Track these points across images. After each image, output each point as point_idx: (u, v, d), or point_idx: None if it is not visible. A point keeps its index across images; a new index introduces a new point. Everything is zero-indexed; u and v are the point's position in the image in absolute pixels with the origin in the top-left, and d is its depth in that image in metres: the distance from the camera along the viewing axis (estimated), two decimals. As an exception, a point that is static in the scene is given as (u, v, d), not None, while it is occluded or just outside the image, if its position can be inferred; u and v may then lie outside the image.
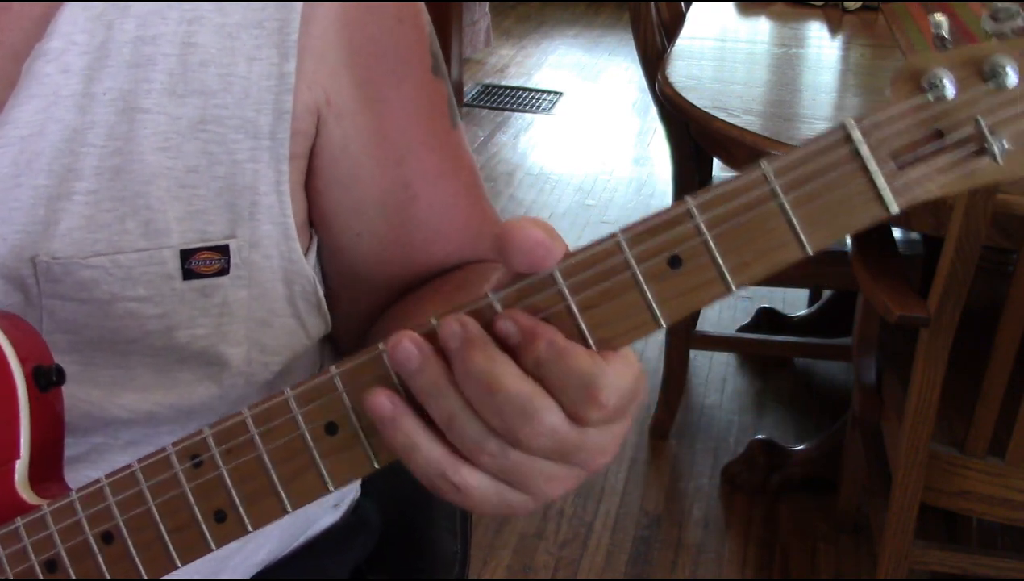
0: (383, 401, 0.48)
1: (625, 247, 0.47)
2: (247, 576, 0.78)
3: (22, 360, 0.58)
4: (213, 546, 0.54)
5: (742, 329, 2.61)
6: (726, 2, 2.47)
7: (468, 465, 0.49)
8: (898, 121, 0.46)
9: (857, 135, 0.46)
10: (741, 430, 2.34)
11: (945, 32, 0.48)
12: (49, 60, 0.63)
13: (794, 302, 2.75)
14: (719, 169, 2.42)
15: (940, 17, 0.48)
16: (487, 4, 4.60)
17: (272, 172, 0.66)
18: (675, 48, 2.09)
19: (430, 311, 0.68)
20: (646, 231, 0.47)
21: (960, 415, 1.52)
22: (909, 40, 2.14)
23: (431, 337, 0.49)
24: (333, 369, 0.51)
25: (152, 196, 0.64)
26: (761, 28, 2.35)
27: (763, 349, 2.45)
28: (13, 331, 0.59)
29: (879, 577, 1.63)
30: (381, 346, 0.50)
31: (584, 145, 3.92)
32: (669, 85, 1.85)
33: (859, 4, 2.38)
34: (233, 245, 0.66)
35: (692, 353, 2.47)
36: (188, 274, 0.66)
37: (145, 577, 0.55)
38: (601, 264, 0.48)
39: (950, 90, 0.46)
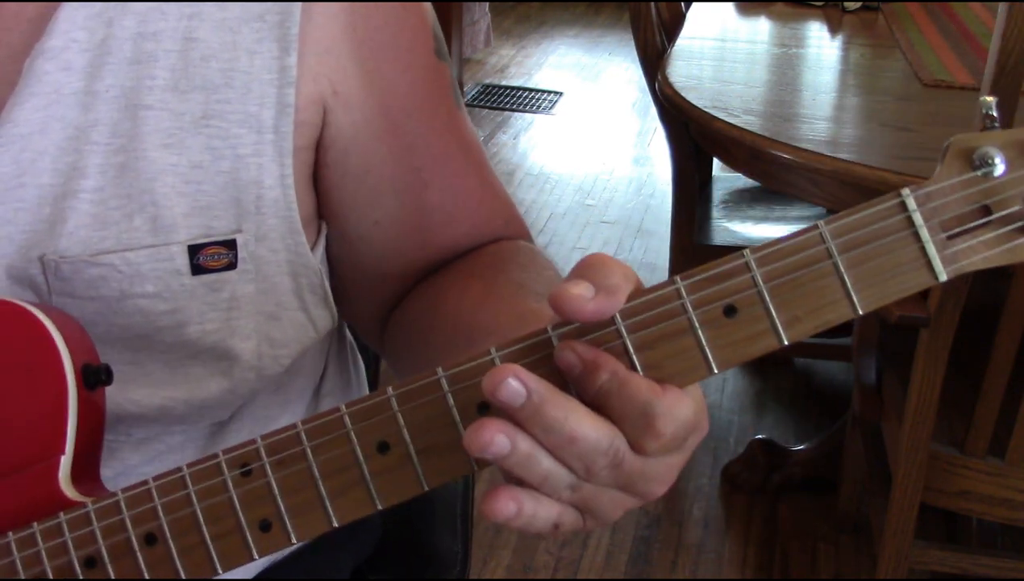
0: (508, 504, 0.49)
1: (683, 292, 0.50)
2: (248, 576, 0.78)
3: (73, 357, 0.59)
4: (256, 555, 0.54)
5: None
6: (726, 2, 2.47)
7: (567, 507, 0.51)
8: (949, 194, 0.49)
9: (912, 204, 0.48)
10: (741, 430, 2.34)
11: (994, 112, 0.51)
12: (49, 58, 0.63)
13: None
14: (719, 169, 2.42)
15: (990, 99, 0.51)
16: (487, 4, 4.60)
17: (276, 166, 0.66)
18: (675, 48, 2.09)
19: (471, 299, 0.70)
20: (705, 279, 0.50)
21: (960, 415, 1.52)
22: (909, 40, 2.14)
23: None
24: (390, 390, 0.52)
25: (158, 192, 0.64)
26: (761, 28, 2.35)
27: (763, 349, 2.44)
28: (65, 328, 0.59)
29: (879, 577, 1.63)
30: (440, 371, 0.51)
31: (584, 145, 3.92)
32: (669, 85, 1.85)
33: (859, 4, 2.38)
34: (240, 239, 0.67)
35: (692, 353, 2.47)
36: (197, 269, 0.66)
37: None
38: (659, 307, 0.50)
39: (1000, 169, 0.48)
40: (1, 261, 0.64)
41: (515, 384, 0.48)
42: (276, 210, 0.67)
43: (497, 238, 0.78)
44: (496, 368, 0.48)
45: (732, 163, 1.77)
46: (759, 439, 2.19)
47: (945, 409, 1.50)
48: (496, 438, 0.48)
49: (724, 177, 2.40)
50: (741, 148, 1.65)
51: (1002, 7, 1.28)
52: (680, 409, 0.49)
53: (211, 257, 0.66)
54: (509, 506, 0.49)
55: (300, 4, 0.66)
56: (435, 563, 0.93)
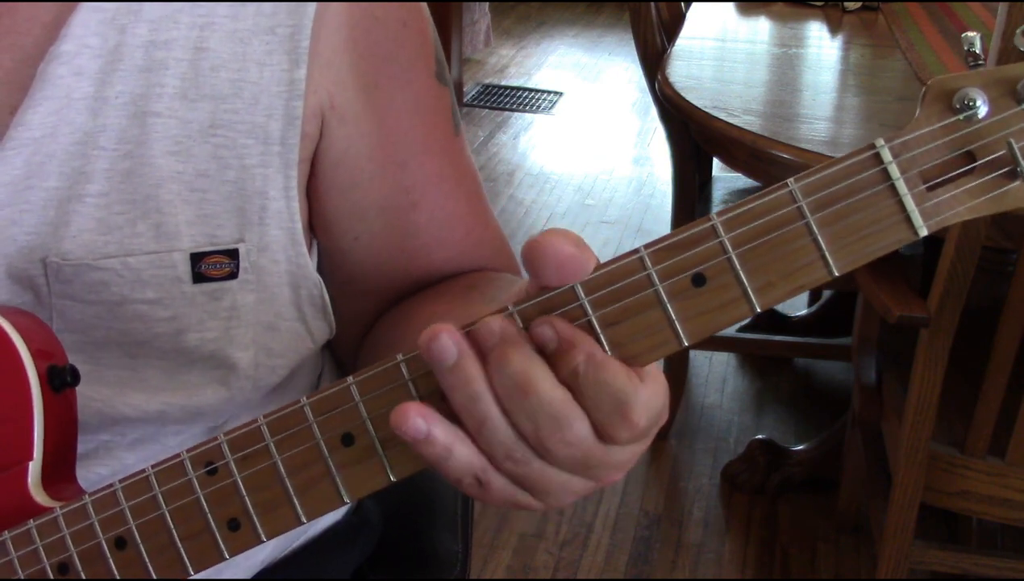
0: (417, 422, 0.47)
1: (648, 263, 0.47)
2: (248, 576, 0.78)
3: (36, 359, 0.58)
4: (227, 555, 0.54)
5: (742, 329, 2.61)
6: (726, 2, 2.47)
7: (499, 477, 0.49)
8: (928, 142, 0.45)
9: (887, 155, 0.45)
10: (741, 430, 2.34)
11: (978, 49, 0.47)
12: (62, 63, 0.63)
13: (794, 302, 2.75)
14: (719, 169, 2.42)
15: (972, 34, 0.47)
16: (487, 4, 4.60)
17: (281, 177, 0.66)
18: (675, 48, 2.09)
19: (441, 309, 0.69)
20: (670, 247, 0.47)
21: (960, 415, 1.52)
22: (909, 40, 2.14)
23: (467, 338, 0.48)
24: (350, 379, 0.51)
25: (162, 199, 0.64)
26: (761, 28, 2.35)
27: (763, 349, 2.45)
28: (28, 330, 0.59)
29: (879, 577, 1.63)
30: (400, 357, 0.50)
31: (584, 145, 3.92)
32: (669, 85, 1.85)
33: (859, 4, 2.38)
34: (242, 249, 0.66)
35: (692, 353, 2.47)
36: (198, 277, 0.66)
37: None
38: (623, 280, 0.47)
39: (983, 110, 0.45)
40: (2, 261, 0.64)
41: (494, 323, 0.47)
42: (279, 221, 0.67)
43: (482, 268, 0.77)
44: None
45: (732, 163, 1.77)
46: (759, 439, 2.19)
47: (945, 409, 1.50)
48: (443, 338, 0.46)
49: (724, 177, 2.40)
50: (741, 148, 1.65)
51: (1002, 7, 1.28)
52: (654, 400, 0.48)
53: (213, 266, 0.66)
54: (416, 423, 0.47)
55: (311, 18, 0.66)
56: (435, 563, 0.93)
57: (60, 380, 0.58)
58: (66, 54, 0.63)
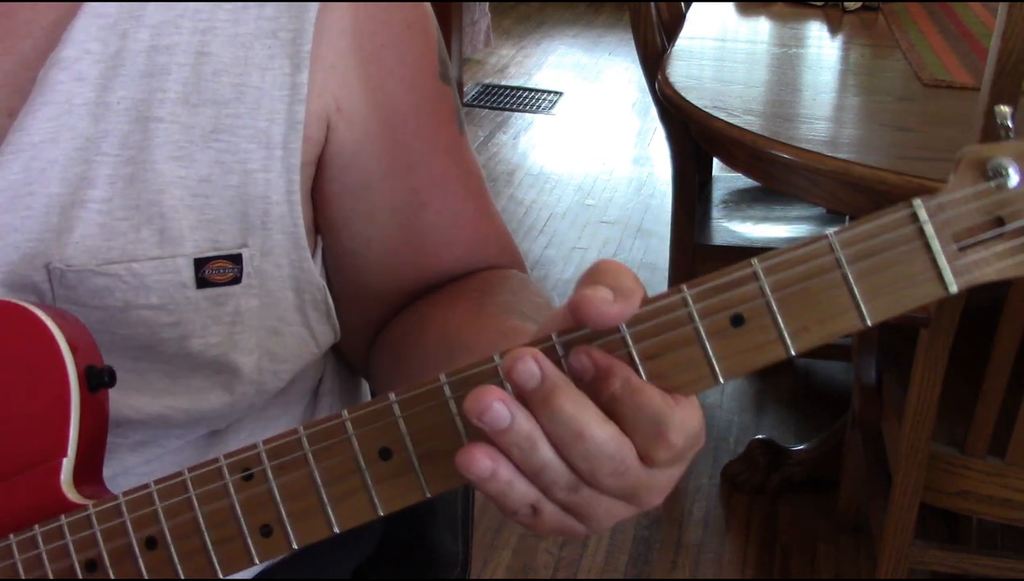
0: (484, 463, 0.48)
1: (690, 301, 0.49)
2: (248, 576, 0.78)
3: (76, 359, 0.58)
4: (256, 560, 0.54)
5: (742, 329, 2.61)
6: (726, 2, 2.47)
7: (553, 507, 0.50)
8: (961, 205, 0.48)
9: (923, 215, 0.48)
10: (741, 430, 2.34)
11: (1009, 122, 0.50)
12: (63, 68, 0.63)
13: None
14: (719, 169, 2.42)
15: (1005, 108, 0.50)
16: (487, 4, 4.59)
17: (284, 182, 0.67)
18: (675, 48, 2.09)
19: (458, 318, 0.69)
20: (712, 289, 0.49)
21: (960, 415, 1.52)
22: (909, 40, 2.14)
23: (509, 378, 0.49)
24: (392, 395, 0.52)
25: (165, 205, 0.64)
26: (761, 28, 2.35)
27: (763, 349, 2.44)
28: (68, 329, 0.59)
29: (879, 577, 1.63)
30: (443, 378, 0.51)
31: (584, 145, 3.92)
32: (669, 85, 1.85)
33: (859, 4, 2.38)
34: (245, 254, 0.67)
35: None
36: (201, 282, 0.66)
37: None
38: (665, 316, 0.49)
39: (1014, 179, 0.48)
40: (5, 267, 0.64)
41: (532, 365, 0.47)
42: (282, 226, 0.67)
43: (490, 266, 0.77)
44: (515, 349, 0.48)
45: (732, 163, 1.77)
46: (759, 439, 2.19)
47: (945, 409, 1.50)
48: (495, 405, 0.47)
49: (724, 177, 2.40)
50: (741, 148, 1.65)
51: (1002, 7, 1.28)
52: (691, 421, 0.49)
53: (216, 271, 0.66)
54: (484, 463, 0.48)
55: (313, 22, 0.66)
56: (435, 563, 0.93)
57: (97, 380, 0.59)
58: (67, 60, 0.63)
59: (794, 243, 0.49)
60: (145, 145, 0.64)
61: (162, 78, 0.64)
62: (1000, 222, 0.48)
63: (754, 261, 0.49)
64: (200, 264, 0.66)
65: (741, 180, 2.38)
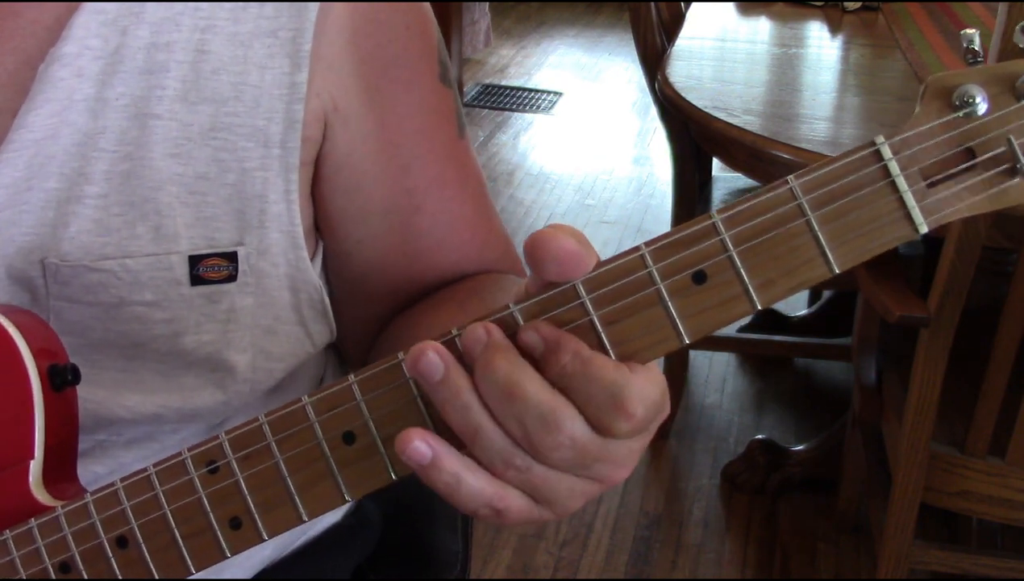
0: (420, 447, 0.48)
1: (649, 261, 0.47)
2: (248, 576, 0.78)
3: (37, 358, 0.58)
4: (228, 553, 0.54)
5: (742, 329, 2.61)
6: (726, 2, 2.47)
7: (510, 489, 0.49)
8: (928, 139, 0.45)
9: (887, 152, 0.45)
10: (741, 430, 2.34)
11: (976, 46, 0.46)
12: (64, 65, 0.63)
13: (794, 302, 2.75)
14: (719, 169, 2.42)
15: (971, 31, 0.47)
16: (487, 4, 4.60)
17: (282, 181, 0.66)
18: (675, 48, 2.09)
19: (442, 318, 0.69)
20: (670, 245, 0.47)
21: (960, 415, 1.52)
22: (909, 40, 2.14)
23: (453, 347, 0.48)
24: (351, 377, 0.51)
25: (162, 201, 0.64)
26: (761, 28, 2.35)
27: (763, 349, 2.45)
28: (29, 329, 0.58)
29: (879, 577, 1.63)
30: (401, 355, 0.50)
31: (584, 145, 3.92)
32: (669, 85, 1.85)
33: (859, 4, 2.38)
34: (241, 252, 0.66)
35: (692, 353, 2.47)
36: (196, 280, 0.66)
37: None
38: (624, 278, 0.47)
39: (982, 107, 0.45)
40: (1, 261, 0.64)
41: (478, 330, 0.47)
42: (279, 225, 0.67)
43: (489, 270, 0.77)
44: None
45: (732, 163, 1.77)
46: (759, 439, 2.19)
47: (945, 409, 1.50)
48: (429, 353, 0.47)
49: (724, 177, 2.40)
50: (741, 148, 1.65)
51: (1002, 7, 1.28)
52: (650, 390, 0.47)
53: (211, 268, 0.66)
54: (420, 448, 0.48)
55: (313, 21, 0.66)
56: (435, 563, 0.93)
57: (61, 379, 0.58)
58: (67, 56, 0.63)
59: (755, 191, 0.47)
60: (143, 142, 0.64)
61: (161, 75, 0.64)
62: (971, 154, 0.45)
63: (713, 213, 0.47)
64: (195, 261, 0.65)
65: (741, 180, 2.38)
